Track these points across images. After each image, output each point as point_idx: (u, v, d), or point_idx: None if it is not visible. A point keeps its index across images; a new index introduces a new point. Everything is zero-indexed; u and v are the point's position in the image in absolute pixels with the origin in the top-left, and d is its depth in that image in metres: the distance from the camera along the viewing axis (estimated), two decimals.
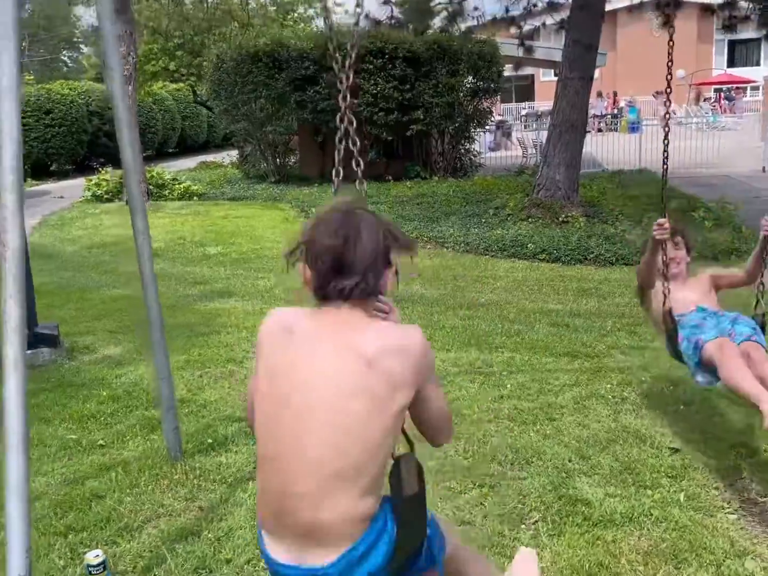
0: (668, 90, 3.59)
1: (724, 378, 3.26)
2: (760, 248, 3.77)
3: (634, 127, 24.78)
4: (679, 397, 4.42)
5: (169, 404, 3.77)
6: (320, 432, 1.76)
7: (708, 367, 3.43)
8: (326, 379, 1.79)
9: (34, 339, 5.40)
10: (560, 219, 10.79)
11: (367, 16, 12.81)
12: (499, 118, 28.83)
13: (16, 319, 2.27)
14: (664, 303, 3.67)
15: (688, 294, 3.82)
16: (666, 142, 3.64)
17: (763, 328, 3.65)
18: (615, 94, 35.04)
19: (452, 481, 3.47)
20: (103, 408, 4.55)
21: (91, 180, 16.41)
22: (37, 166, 22.52)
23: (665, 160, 3.72)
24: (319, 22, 30.93)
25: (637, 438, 3.87)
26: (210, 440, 4.00)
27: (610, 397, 4.47)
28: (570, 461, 3.64)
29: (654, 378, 4.78)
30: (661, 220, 3.65)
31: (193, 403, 4.58)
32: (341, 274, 1.90)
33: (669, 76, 3.57)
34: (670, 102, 3.67)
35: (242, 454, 3.83)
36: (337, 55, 2.56)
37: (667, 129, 3.65)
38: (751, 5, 10.53)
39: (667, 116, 3.66)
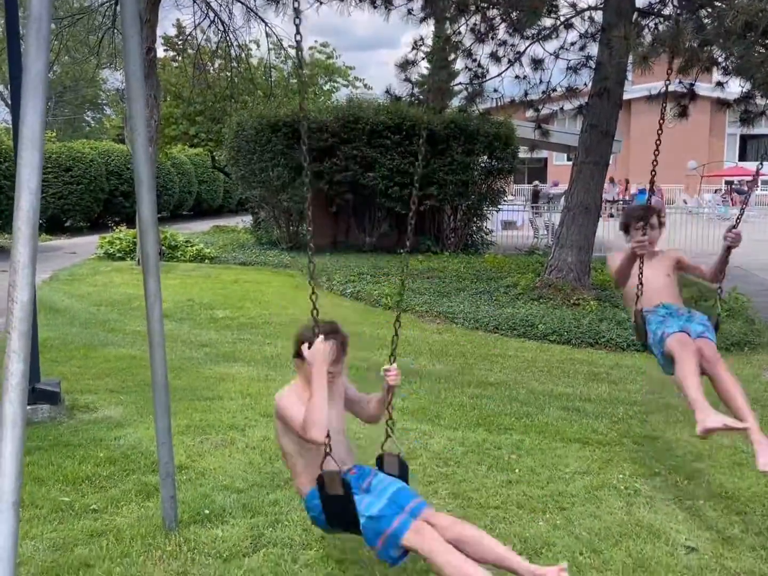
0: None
1: (677, 375, 3.91)
2: (723, 255, 4.41)
3: None
4: (695, 492, 4.27)
5: (168, 470, 3.65)
6: None
7: (670, 357, 4.04)
8: None
9: (35, 394, 5.30)
10: (571, 301, 10.73)
11: (387, 91, 13.02)
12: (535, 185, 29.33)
13: (18, 376, 2.19)
14: (636, 302, 4.28)
15: (654, 282, 4.33)
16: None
17: (716, 328, 4.29)
18: (627, 181, 35.44)
19: None
20: (99, 470, 4.42)
21: (104, 238, 16.52)
22: (53, 221, 22.73)
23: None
24: (339, 96, 31.57)
25: (650, 533, 3.71)
26: (207, 511, 3.86)
27: (622, 488, 4.32)
28: (581, 554, 3.48)
29: (668, 470, 4.63)
30: (642, 239, 4.19)
31: (191, 470, 4.45)
32: None
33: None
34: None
35: (239, 528, 3.69)
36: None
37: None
38: (767, 101, 10.66)
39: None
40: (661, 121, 4.34)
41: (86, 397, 6.00)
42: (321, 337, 3.07)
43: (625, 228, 4.62)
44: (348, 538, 3.55)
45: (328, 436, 2.90)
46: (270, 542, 3.54)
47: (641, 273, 4.23)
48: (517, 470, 4.57)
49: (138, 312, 9.89)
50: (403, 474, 3.21)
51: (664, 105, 4.68)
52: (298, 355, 3.14)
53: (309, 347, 3.07)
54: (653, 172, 4.31)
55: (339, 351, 3.22)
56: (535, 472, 4.55)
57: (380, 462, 3.27)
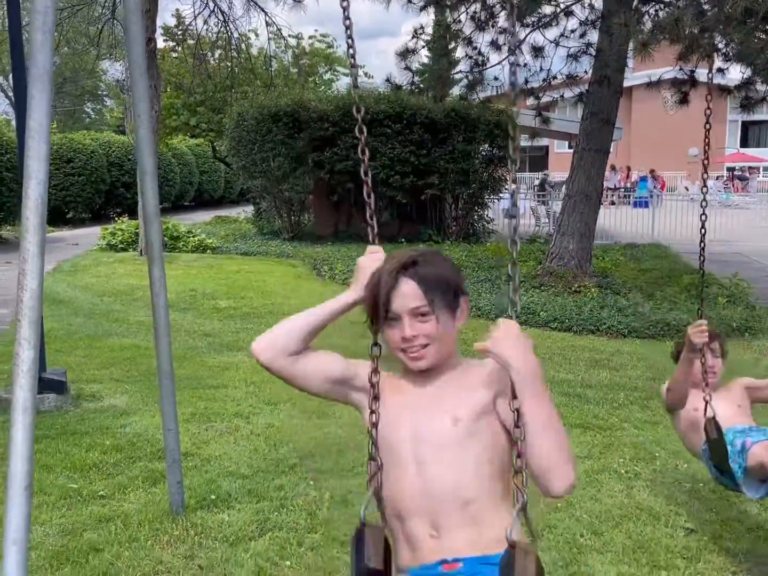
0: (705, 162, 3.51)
1: None
2: None
3: (639, 202, 23.75)
4: (694, 475, 4.32)
5: (174, 457, 3.70)
6: None
7: (757, 475, 3.11)
8: None
9: (41, 384, 5.35)
10: (573, 288, 10.76)
11: (387, 80, 13.02)
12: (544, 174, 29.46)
13: (29, 362, 2.23)
14: (705, 411, 3.25)
15: (721, 409, 3.31)
16: (703, 220, 3.44)
17: None
18: (629, 168, 35.42)
19: None
20: (106, 458, 4.47)
21: (107, 229, 16.56)
22: (54, 213, 22.76)
23: (702, 249, 3.42)
24: (339, 85, 31.55)
25: (650, 516, 3.76)
26: (213, 496, 3.92)
27: (623, 471, 4.37)
28: (582, 536, 3.53)
29: (668, 454, 4.68)
30: (700, 322, 3.30)
31: (197, 457, 4.51)
32: None
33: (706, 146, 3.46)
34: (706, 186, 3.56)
35: (245, 512, 3.75)
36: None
37: (703, 215, 3.45)
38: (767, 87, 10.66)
39: (703, 203, 3.49)
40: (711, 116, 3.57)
41: (92, 387, 6.06)
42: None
43: (677, 352, 3.62)
44: (353, 523, 3.60)
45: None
46: (275, 526, 3.59)
47: (705, 371, 3.32)
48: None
49: (141, 302, 9.94)
50: None
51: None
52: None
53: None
54: (705, 162, 3.62)
55: None
56: None
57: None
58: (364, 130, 2.14)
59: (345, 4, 2.25)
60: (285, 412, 5.41)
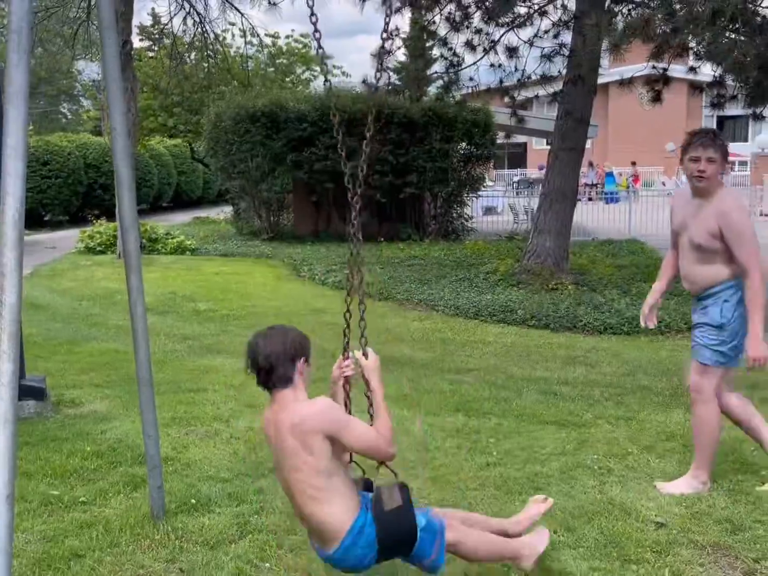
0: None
1: None
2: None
3: (610, 198, 23.94)
4: (665, 471, 4.42)
5: (154, 463, 3.75)
6: None
7: None
8: None
9: (21, 391, 5.35)
10: (550, 286, 10.90)
11: (364, 81, 13.09)
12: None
13: (9, 375, 2.29)
14: None
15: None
16: None
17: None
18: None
19: None
20: (87, 464, 4.51)
21: (85, 232, 16.52)
22: (31, 216, 22.63)
23: None
24: (317, 85, 31.56)
25: (622, 511, 3.85)
26: (193, 500, 3.97)
27: (596, 467, 4.47)
28: (555, 532, 3.61)
29: (640, 449, 4.78)
30: None
31: (177, 462, 4.55)
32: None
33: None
34: None
35: (225, 516, 3.80)
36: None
37: None
38: (739, 84, 10.82)
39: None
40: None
41: (71, 392, 6.08)
42: (371, 351, 3.01)
43: None
44: None
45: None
46: (256, 529, 3.65)
47: None
48: (495, 453, 4.70)
49: (120, 306, 9.95)
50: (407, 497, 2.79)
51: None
52: (292, 364, 2.83)
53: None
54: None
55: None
56: (512, 454, 4.69)
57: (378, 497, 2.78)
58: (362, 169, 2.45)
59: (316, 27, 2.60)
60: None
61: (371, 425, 2.84)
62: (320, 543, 2.75)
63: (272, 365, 2.78)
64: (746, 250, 3.84)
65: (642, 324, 4.45)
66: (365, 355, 2.99)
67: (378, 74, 3.83)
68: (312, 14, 2.90)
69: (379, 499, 2.73)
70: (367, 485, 2.99)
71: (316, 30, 3.00)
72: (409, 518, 2.72)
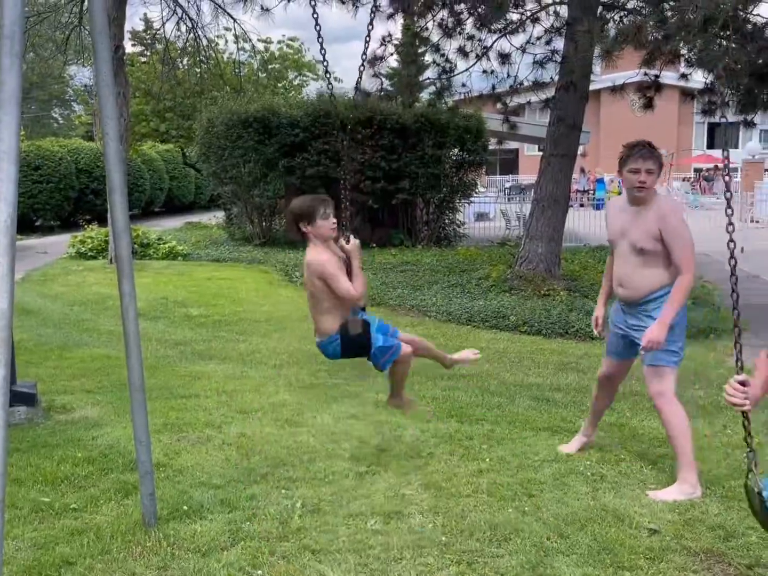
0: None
1: None
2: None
3: (599, 204, 24.87)
4: (658, 477, 4.42)
5: (146, 469, 3.73)
6: None
7: None
8: None
9: (12, 397, 5.32)
10: (542, 292, 10.91)
11: (357, 87, 13.06)
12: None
13: (0, 381, 2.27)
14: None
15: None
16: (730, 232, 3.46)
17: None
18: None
19: (429, 557, 3.43)
20: (78, 470, 4.48)
21: (76, 237, 16.47)
22: (22, 221, 22.55)
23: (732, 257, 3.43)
24: (309, 90, 31.58)
25: (615, 517, 3.85)
26: (185, 507, 3.94)
27: (589, 474, 4.47)
28: (548, 539, 3.61)
29: (633, 456, 4.78)
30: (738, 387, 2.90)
31: (169, 468, 4.53)
32: None
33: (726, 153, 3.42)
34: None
35: (217, 522, 3.78)
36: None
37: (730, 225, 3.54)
38: (730, 92, 10.88)
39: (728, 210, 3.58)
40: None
41: (63, 398, 6.05)
42: (352, 237, 4.28)
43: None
44: (324, 531, 3.66)
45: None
46: (248, 536, 3.63)
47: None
48: (487, 459, 4.70)
49: (112, 311, 9.92)
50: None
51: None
52: (298, 228, 4.25)
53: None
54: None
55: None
56: (505, 460, 4.69)
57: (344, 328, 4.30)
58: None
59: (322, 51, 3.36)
60: (257, 421, 5.45)
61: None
62: (317, 335, 4.35)
63: (289, 229, 4.48)
64: (683, 251, 4.10)
65: (595, 332, 4.79)
66: (347, 240, 4.27)
67: (359, 80, 4.82)
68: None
69: (346, 325, 4.23)
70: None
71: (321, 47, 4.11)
72: (364, 341, 4.27)
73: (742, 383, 2.89)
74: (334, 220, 4.23)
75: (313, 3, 3.73)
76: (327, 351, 4.35)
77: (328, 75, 4.46)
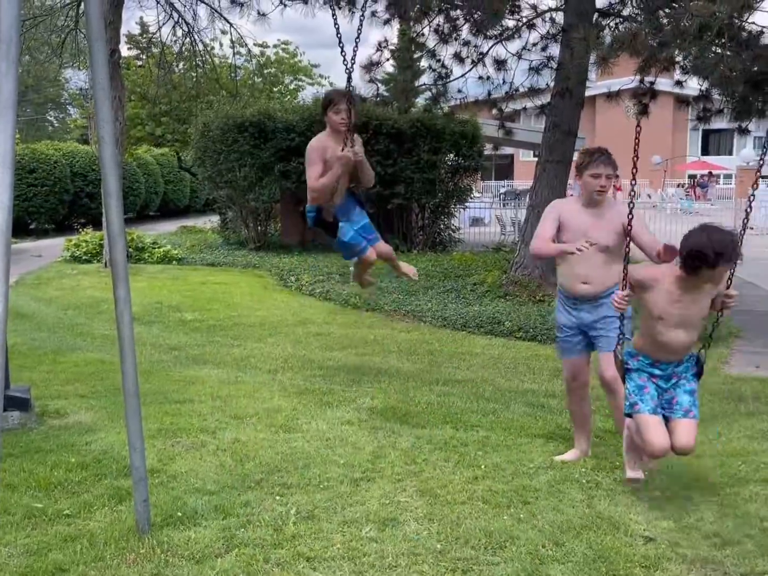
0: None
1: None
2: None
3: None
4: (653, 484, 4.42)
5: (140, 475, 3.71)
6: None
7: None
8: None
9: (5, 402, 5.31)
10: (537, 297, 10.92)
11: (351, 92, 13.07)
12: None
13: None
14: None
15: (671, 335, 3.88)
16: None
17: (700, 374, 4.10)
18: None
19: (424, 565, 3.42)
20: (71, 476, 4.45)
21: (70, 240, 16.42)
22: (17, 224, 22.47)
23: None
24: (304, 95, 31.59)
25: (611, 525, 3.84)
26: (179, 513, 3.92)
27: (584, 481, 4.46)
28: (543, 547, 3.60)
29: None
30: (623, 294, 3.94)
31: (163, 474, 4.50)
32: None
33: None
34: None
35: (211, 529, 3.76)
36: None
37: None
38: (724, 99, 10.91)
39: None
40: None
41: (56, 403, 6.02)
42: (349, 150, 4.99)
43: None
44: (319, 538, 3.65)
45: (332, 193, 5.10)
46: (242, 543, 3.62)
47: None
48: (482, 466, 4.69)
49: (106, 315, 9.89)
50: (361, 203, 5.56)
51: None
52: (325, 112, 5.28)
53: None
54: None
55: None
56: (500, 467, 4.68)
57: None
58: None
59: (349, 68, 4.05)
60: (251, 427, 5.43)
61: None
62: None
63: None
64: (649, 233, 4.52)
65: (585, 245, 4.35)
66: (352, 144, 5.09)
67: (348, 81, 5.14)
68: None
69: (325, 213, 5.20)
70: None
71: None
72: (331, 230, 5.19)
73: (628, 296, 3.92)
74: (344, 117, 4.99)
75: (333, 11, 3.84)
76: (308, 217, 5.27)
77: (348, 71, 5.05)
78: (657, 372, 4.01)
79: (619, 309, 3.95)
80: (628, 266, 3.95)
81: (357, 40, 4.82)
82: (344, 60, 4.90)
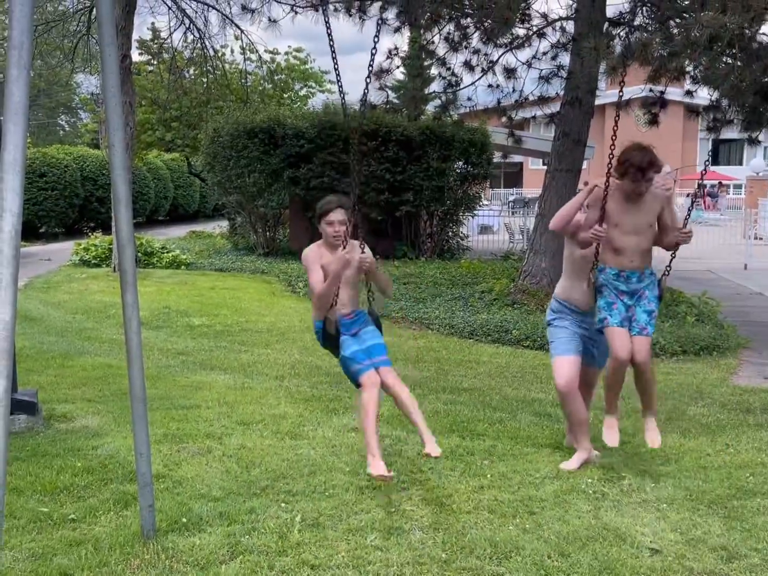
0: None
1: (606, 378, 4.77)
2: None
3: None
4: (660, 495, 4.40)
5: (145, 481, 3.71)
6: None
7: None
8: None
9: (12, 405, 5.32)
10: (545, 306, 10.82)
11: (362, 100, 13.11)
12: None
13: (1, 391, 2.26)
14: (588, 282, 4.67)
15: (624, 240, 4.51)
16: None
17: (660, 297, 4.64)
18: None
19: (429, 574, 3.41)
20: (77, 480, 4.46)
21: (80, 244, 16.49)
22: (27, 227, 22.59)
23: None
24: (315, 102, 31.66)
25: (617, 536, 3.83)
26: (184, 519, 3.92)
27: (590, 492, 4.44)
28: (549, 558, 3.59)
29: (634, 474, 4.76)
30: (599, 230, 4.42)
31: (169, 479, 4.51)
32: None
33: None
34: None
35: (216, 536, 3.76)
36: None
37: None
38: (735, 109, 10.87)
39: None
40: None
41: (63, 407, 6.03)
42: (342, 252, 4.34)
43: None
44: (324, 546, 3.64)
45: (337, 295, 4.36)
46: (246, 549, 3.61)
47: (596, 257, 4.62)
48: (488, 475, 4.67)
49: (114, 320, 9.92)
50: (378, 324, 4.74)
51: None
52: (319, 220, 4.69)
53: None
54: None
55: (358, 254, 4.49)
56: (506, 477, 4.66)
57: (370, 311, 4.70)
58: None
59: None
60: (257, 433, 5.43)
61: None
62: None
63: None
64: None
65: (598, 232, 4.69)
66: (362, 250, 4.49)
67: (366, 90, 4.82)
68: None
69: (328, 324, 4.44)
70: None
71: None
72: (336, 346, 4.44)
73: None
74: (337, 229, 4.51)
75: (326, 19, 3.76)
76: (317, 335, 4.65)
77: (340, 85, 4.69)
78: (623, 287, 4.55)
79: (598, 239, 4.47)
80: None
81: (374, 50, 4.70)
82: (338, 78, 4.81)
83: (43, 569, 3.39)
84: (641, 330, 4.52)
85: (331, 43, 4.31)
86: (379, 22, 5.01)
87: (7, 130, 2.26)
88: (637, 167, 4.33)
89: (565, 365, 4.84)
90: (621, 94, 4.82)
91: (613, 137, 4.42)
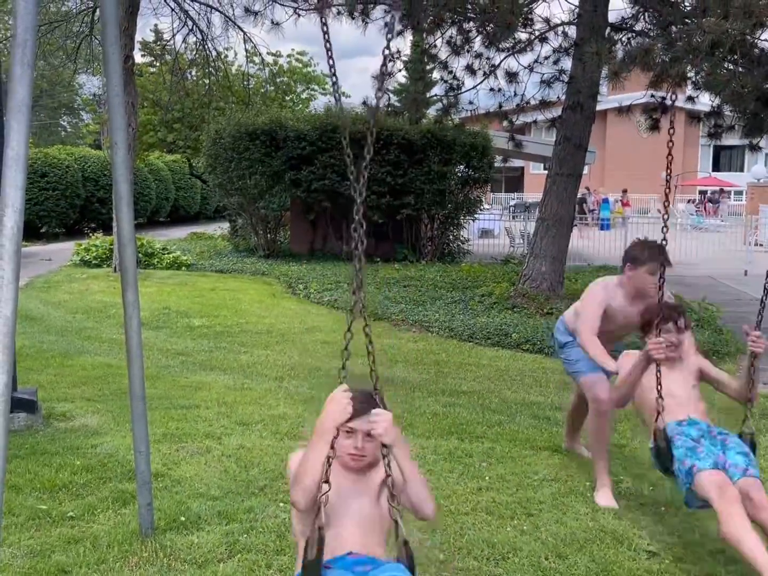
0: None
1: (724, 532, 3.18)
2: (749, 365, 3.76)
3: (603, 225, 25.66)
4: (658, 499, 4.41)
5: (144, 479, 3.72)
6: None
7: (698, 498, 3.39)
8: None
9: (12, 403, 5.33)
10: (545, 310, 10.89)
11: (364, 102, 13.15)
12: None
13: (1, 388, 2.27)
14: (656, 419, 3.60)
15: (676, 388, 3.75)
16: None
17: (753, 449, 3.59)
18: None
19: (426, 575, 3.41)
20: (76, 478, 4.47)
21: (81, 245, 16.51)
22: (27, 227, 22.59)
23: None
24: (316, 104, 31.69)
25: (614, 539, 3.83)
26: (183, 518, 3.93)
27: (588, 494, 4.45)
28: (546, 559, 3.60)
29: (633, 477, 4.77)
30: (659, 339, 3.61)
31: (167, 478, 4.52)
32: None
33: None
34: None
35: (214, 534, 3.77)
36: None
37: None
38: (736, 115, 10.89)
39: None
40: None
41: (63, 406, 6.04)
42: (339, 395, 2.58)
43: (645, 325, 3.98)
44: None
45: (320, 507, 2.39)
46: (244, 548, 3.62)
47: (660, 384, 3.57)
48: (487, 477, 4.68)
49: (114, 320, 9.93)
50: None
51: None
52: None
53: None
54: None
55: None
56: (504, 479, 4.67)
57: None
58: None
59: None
60: (256, 434, 5.44)
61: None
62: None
63: None
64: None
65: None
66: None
67: (379, 93, 4.05)
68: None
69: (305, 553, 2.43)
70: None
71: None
72: None
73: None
74: (360, 447, 2.57)
75: (323, 21, 3.74)
76: None
77: (335, 87, 4.39)
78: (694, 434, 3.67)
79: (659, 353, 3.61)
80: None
81: (384, 54, 4.66)
82: (333, 78, 4.61)
83: (41, 566, 3.40)
84: (744, 471, 3.42)
85: (327, 45, 4.24)
86: (391, 25, 5.01)
87: (10, 128, 2.27)
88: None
89: (603, 381, 4.49)
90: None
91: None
